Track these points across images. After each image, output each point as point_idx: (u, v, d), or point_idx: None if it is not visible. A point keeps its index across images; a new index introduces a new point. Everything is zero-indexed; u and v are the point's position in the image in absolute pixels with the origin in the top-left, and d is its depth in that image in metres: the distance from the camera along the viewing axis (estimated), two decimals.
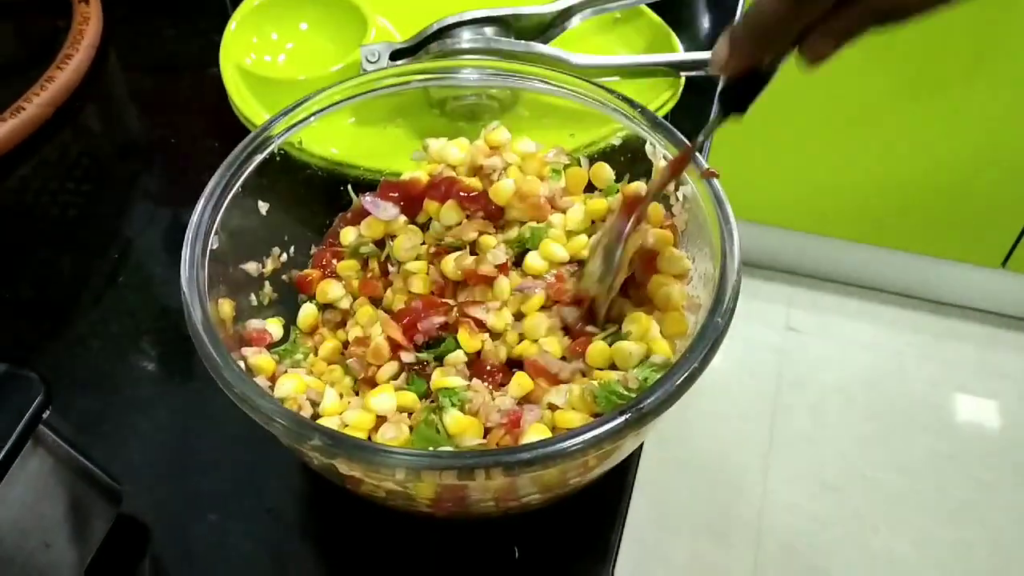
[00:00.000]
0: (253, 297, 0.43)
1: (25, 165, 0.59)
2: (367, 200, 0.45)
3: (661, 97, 0.56)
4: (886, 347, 1.43)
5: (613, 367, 0.39)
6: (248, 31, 0.61)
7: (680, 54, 0.59)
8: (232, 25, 0.61)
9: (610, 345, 0.39)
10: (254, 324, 0.42)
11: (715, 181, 0.39)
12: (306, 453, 0.34)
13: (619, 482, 0.42)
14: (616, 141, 0.46)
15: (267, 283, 0.44)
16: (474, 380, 0.39)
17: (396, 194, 0.46)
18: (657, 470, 1.26)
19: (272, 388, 0.38)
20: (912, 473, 1.27)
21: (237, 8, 0.62)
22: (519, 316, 0.42)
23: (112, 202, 0.58)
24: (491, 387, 0.39)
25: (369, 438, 0.37)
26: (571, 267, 0.43)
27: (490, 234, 0.44)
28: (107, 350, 0.49)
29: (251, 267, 0.43)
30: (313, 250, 0.47)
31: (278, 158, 0.43)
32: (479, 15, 0.57)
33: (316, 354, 0.43)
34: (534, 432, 0.36)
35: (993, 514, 1.23)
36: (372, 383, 0.40)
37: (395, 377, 0.40)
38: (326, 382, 0.41)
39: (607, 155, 0.46)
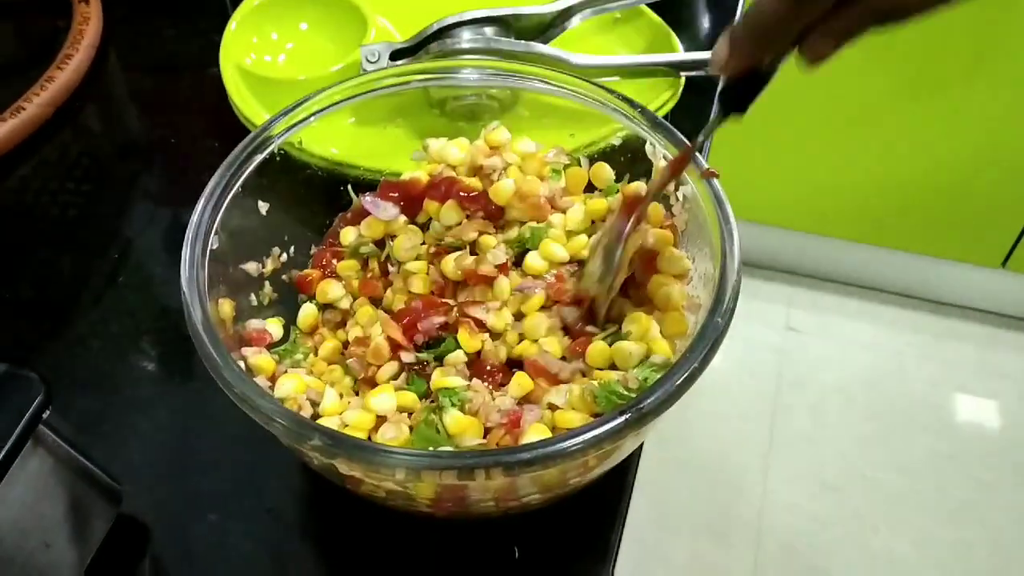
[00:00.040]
0: (253, 297, 0.43)
1: (25, 165, 0.59)
2: (367, 200, 0.45)
3: (661, 97, 0.56)
4: (886, 347, 1.43)
5: (613, 367, 0.39)
6: (248, 31, 0.61)
7: (680, 54, 0.59)
8: (232, 25, 0.61)
9: (610, 345, 0.39)
10: (254, 324, 0.42)
11: (715, 181, 0.39)
12: (306, 453, 0.34)
13: (619, 482, 0.42)
14: (616, 141, 0.46)
15: (267, 283, 0.44)
16: (474, 380, 0.39)
17: (396, 194, 0.46)
18: (657, 470, 1.26)
19: (272, 388, 0.38)
20: (912, 473, 1.27)
21: (237, 8, 0.62)
22: (519, 316, 0.42)
23: (112, 202, 0.58)
24: (491, 387, 0.39)
25: (369, 438, 0.37)
26: (571, 267, 0.43)
27: (490, 234, 0.44)
28: (107, 350, 0.49)
29: (251, 267, 0.43)
30: (313, 250, 0.47)
31: (278, 158, 0.43)
32: (479, 15, 0.57)
33: (316, 354, 0.43)
34: (534, 432, 0.36)
35: (993, 514, 1.23)
36: (372, 383, 0.40)
37: (395, 377, 0.40)
38: (326, 382, 0.41)
39: (607, 155, 0.46)
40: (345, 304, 0.44)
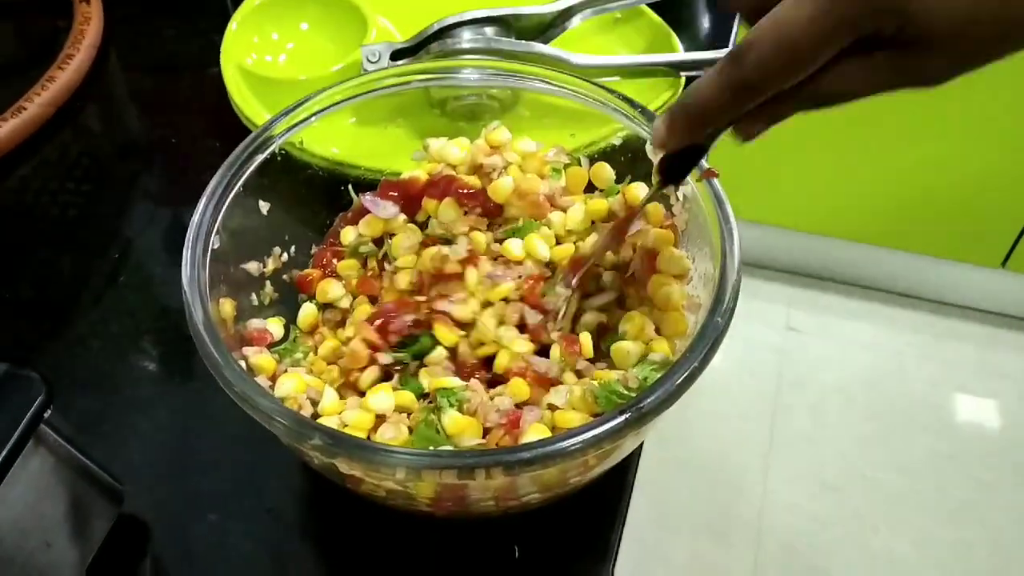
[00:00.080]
0: (254, 297, 0.43)
1: (25, 165, 0.59)
2: (367, 199, 0.45)
3: (661, 97, 0.56)
4: (886, 347, 1.43)
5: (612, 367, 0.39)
6: (249, 31, 0.62)
7: (680, 54, 0.59)
8: (233, 25, 0.61)
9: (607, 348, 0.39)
10: (255, 324, 0.42)
11: (715, 181, 0.39)
12: (306, 453, 0.34)
13: (619, 482, 0.42)
14: (616, 141, 0.46)
15: (268, 283, 0.44)
16: (471, 380, 0.39)
17: (396, 193, 0.46)
18: (657, 470, 1.26)
19: (273, 388, 0.38)
20: (912, 473, 1.27)
21: (238, 8, 0.62)
22: (488, 306, 0.41)
23: (112, 202, 0.58)
24: (479, 380, 0.39)
25: (368, 438, 0.37)
26: (547, 271, 0.43)
27: (481, 230, 0.44)
28: (107, 350, 0.49)
29: (252, 267, 0.43)
30: (314, 250, 0.47)
31: (279, 158, 0.43)
32: (479, 15, 0.57)
33: (316, 353, 0.43)
34: (534, 432, 0.36)
35: (993, 514, 1.23)
36: (356, 387, 0.40)
37: (380, 380, 0.40)
38: (325, 381, 0.41)
39: (607, 155, 0.46)
40: (345, 303, 0.44)
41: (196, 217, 0.39)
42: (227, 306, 0.40)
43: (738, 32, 0.66)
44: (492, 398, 0.38)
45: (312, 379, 0.40)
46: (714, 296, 0.35)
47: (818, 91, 0.30)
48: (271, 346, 0.42)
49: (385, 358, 0.40)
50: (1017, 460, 1.29)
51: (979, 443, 1.31)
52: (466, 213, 0.44)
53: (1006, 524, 1.22)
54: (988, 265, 1.37)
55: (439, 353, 0.40)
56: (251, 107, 0.56)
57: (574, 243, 0.44)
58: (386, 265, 0.45)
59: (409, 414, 0.38)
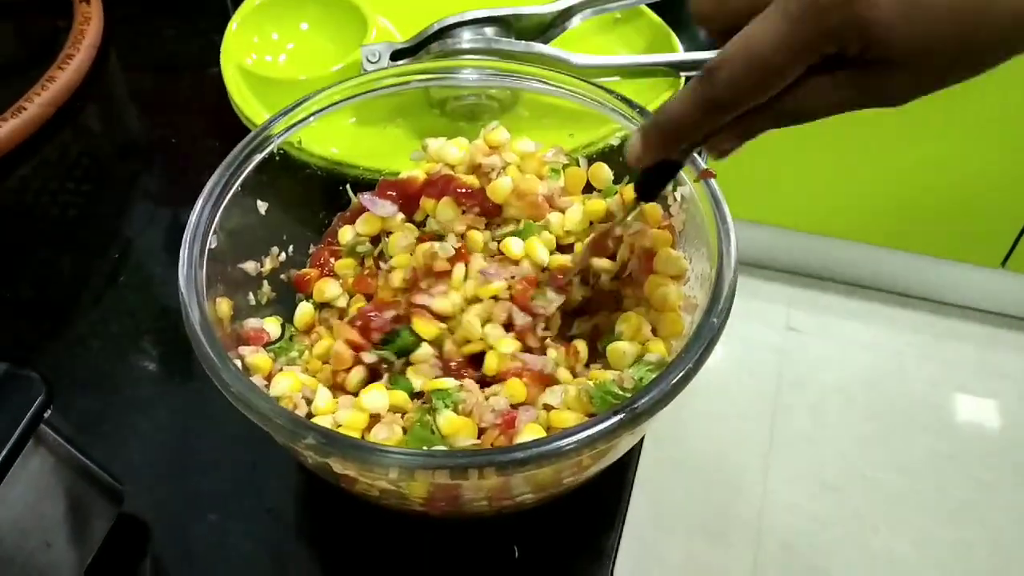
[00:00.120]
0: (251, 296, 0.43)
1: (25, 165, 0.59)
2: (365, 198, 0.45)
3: (661, 97, 0.56)
4: (886, 347, 1.43)
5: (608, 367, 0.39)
6: (249, 31, 0.62)
7: (680, 54, 0.59)
8: (233, 25, 0.61)
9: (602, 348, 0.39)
10: (252, 323, 0.42)
11: (712, 181, 0.39)
12: (301, 452, 0.34)
13: (619, 481, 0.42)
14: (615, 141, 0.46)
15: (265, 282, 0.44)
16: (466, 381, 0.39)
17: (394, 193, 0.46)
18: (657, 469, 1.26)
19: (268, 387, 0.38)
20: (912, 473, 1.27)
21: (238, 8, 0.62)
22: (475, 302, 0.41)
23: (112, 202, 0.58)
24: (466, 377, 0.39)
25: (362, 438, 0.37)
26: (543, 275, 0.43)
27: (478, 229, 0.44)
28: (107, 350, 0.49)
29: (249, 266, 0.43)
30: (312, 250, 0.47)
31: (277, 158, 0.44)
32: (479, 15, 0.57)
33: (312, 352, 0.43)
34: (529, 432, 0.36)
35: (993, 514, 1.23)
36: (343, 389, 0.40)
37: (367, 380, 0.40)
38: (320, 380, 0.41)
39: (606, 155, 0.46)
40: (342, 303, 0.44)
41: (193, 217, 0.39)
42: (224, 305, 0.39)
43: None
44: (487, 398, 0.38)
45: (307, 378, 0.40)
46: (710, 297, 0.35)
47: (787, 108, 0.31)
48: (267, 345, 0.42)
49: (369, 357, 0.40)
50: (1017, 460, 1.29)
51: (979, 443, 1.31)
52: (464, 212, 0.44)
53: (1006, 524, 1.22)
54: (988, 265, 1.37)
55: (425, 351, 0.40)
56: (251, 107, 0.56)
57: (573, 245, 0.44)
58: (382, 264, 0.45)
59: (403, 414, 0.38)
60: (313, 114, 0.44)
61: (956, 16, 0.28)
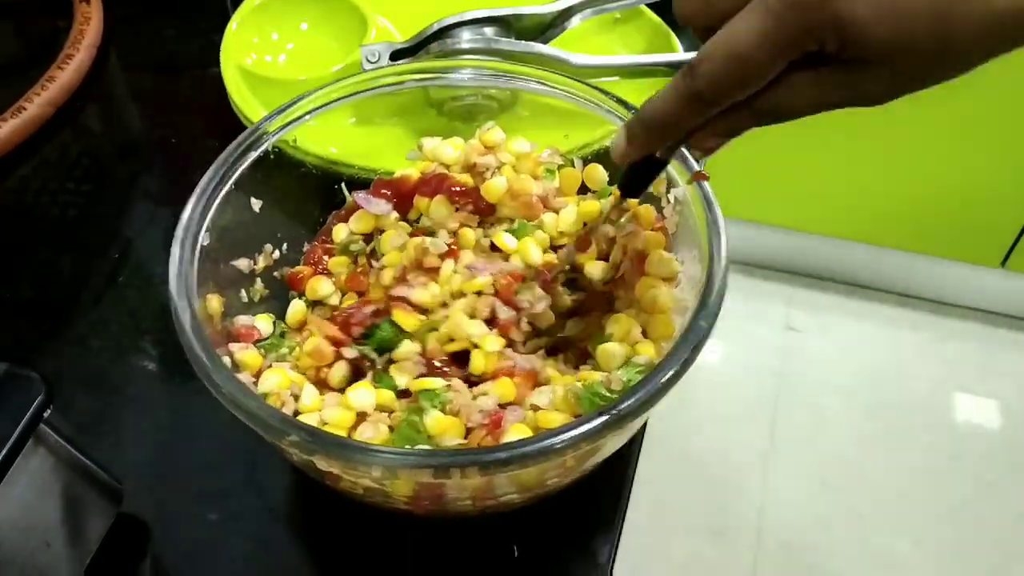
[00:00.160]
0: (244, 293, 0.43)
1: (25, 165, 0.59)
2: (359, 196, 0.45)
3: None
4: (886, 347, 1.43)
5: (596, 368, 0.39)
6: (249, 31, 0.62)
7: (680, 54, 0.59)
8: (233, 25, 0.61)
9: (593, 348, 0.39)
10: (242, 320, 0.42)
11: (705, 184, 0.39)
12: (286, 449, 0.34)
13: (619, 480, 0.42)
14: (610, 143, 0.46)
15: (259, 280, 0.44)
16: (453, 380, 0.39)
17: (388, 191, 0.46)
18: (657, 468, 1.26)
19: (256, 384, 0.38)
20: (912, 473, 1.27)
21: (238, 8, 0.62)
22: (460, 296, 0.41)
23: (112, 202, 0.58)
24: (451, 375, 0.39)
25: (349, 436, 0.37)
26: (530, 272, 0.43)
27: (471, 227, 0.44)
28: (107, 350, 0.49)
29: (243, 263, 0.43)
30: (306, 247, 0.47)
31: (272, 156, 0.43)
32: (479, 15, 0.57)
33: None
34: (515, 432, 0.35)
35: (993, 514, 1.23)
36: (326, 385, 0.40)
37: (349, 376, 0.40)
38: (308, 378, 0.40)
39: (601, 157, 0.46)
40: (335, 300, 0.44)
41: (186, 214, 0.39)
42: (214, 301, 0.39)
43: None
44: (475, 398, 0.38)
45: (296, 375, 0.40)
46: (699, 299, 0.35)
47: (768, 105, 0.31)
48: (258, 342, 0.42)
49: (349, 352, 0.40)
50: (1017, 460, 1.29)
51: (979, 443, 1.31)
52: (457, 211, 0.44)
53: (1006, 524, 1.22)
54: (988, 265, 1.37)
55: (407, 348, 0.40)
56: (251, 107, 0.56)
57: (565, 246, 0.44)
58: (374, 262, 0.45)
59: (390, 413, 0.38)
60: (309, 112, 0.44)
61: (933, 16, 0.27)
